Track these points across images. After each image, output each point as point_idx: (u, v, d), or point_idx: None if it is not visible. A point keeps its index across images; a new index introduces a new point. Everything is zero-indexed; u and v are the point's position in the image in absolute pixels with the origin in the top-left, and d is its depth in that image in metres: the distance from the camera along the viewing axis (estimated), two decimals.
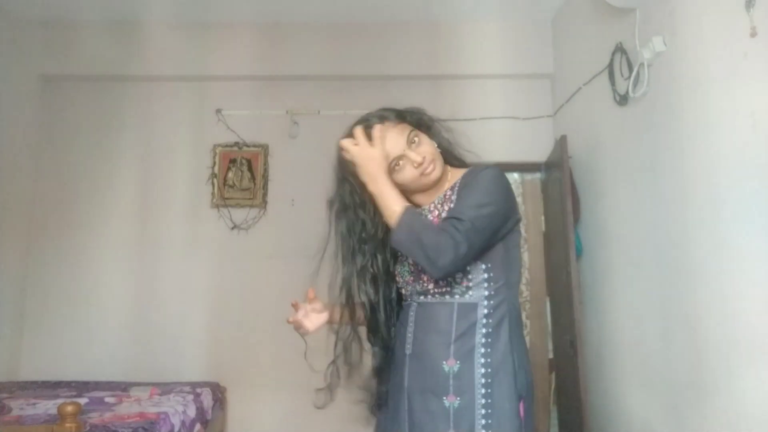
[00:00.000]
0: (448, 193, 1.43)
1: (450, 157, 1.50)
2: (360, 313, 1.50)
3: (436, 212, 1.43)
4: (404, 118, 1.43)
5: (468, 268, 1.36)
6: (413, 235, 1.28)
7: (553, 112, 3.75)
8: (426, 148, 1.40)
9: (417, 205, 1.48)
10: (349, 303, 1.46)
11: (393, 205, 1.31)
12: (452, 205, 1.39)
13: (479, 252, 1.33)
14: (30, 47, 3.69)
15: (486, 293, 1.36)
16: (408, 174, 1.39)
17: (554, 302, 3.50)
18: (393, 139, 1.38)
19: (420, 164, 1.37)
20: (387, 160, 1.36)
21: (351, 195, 1.43)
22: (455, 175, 1.47)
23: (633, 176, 2.60)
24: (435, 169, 1.39)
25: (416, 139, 1.40)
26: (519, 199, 4.32)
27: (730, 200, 1.89)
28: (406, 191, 1.43)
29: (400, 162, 1.38)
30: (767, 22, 1.71)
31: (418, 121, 1.45)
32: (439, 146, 1.45)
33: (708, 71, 2.01)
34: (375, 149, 1.33)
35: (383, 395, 1.48)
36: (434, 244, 1.25)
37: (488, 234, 1.32)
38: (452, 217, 1.29)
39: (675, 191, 2.22)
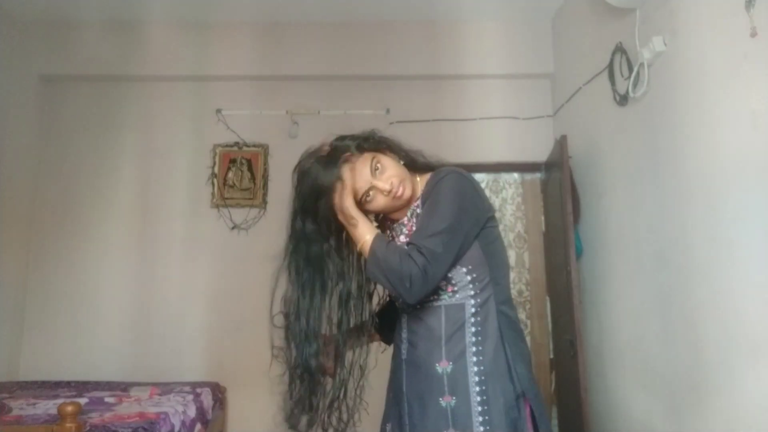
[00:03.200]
0: (417, 204, 1.43)
1: (415, 166, 1.49)
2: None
3: (410, 225, 1.44)
4: (363, 148, 1.42)
5: (450, 275, 1.36)
6: (383, 266, 1.29)
7: (553, 112, 3.75)
8: (391, 171, 1.39)
9: (395, 220, 1.49)
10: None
11: (364, 234, 1.35)
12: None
13: (451, 266, 1.33)
14: (30, 47, 3.69)
15: (472, 293, 1.37)
16: (381, 202, 1.40)
17: (554, 302, 3.50)
18: (359, 172, 1.38)
19: (389, 192, 1.37)
20: (358, 193, 1.37)
21: (319, 228, 1.41)
22: (424, 181, 1.47)
23: (633, 176, 2.60)
24: (405, 189, 1.39)
25: (379, 165, 1.39)
26: (518, 199, 4.32)
27: (730, 200, 1.89)
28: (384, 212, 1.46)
29: (371, 193, 1.38)
30: (767, 22, 1.71)
31: (375, 145, 1.44)
32: (403, 159, 1.46)
33: (708, 71, 2.01)
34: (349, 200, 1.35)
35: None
36: (403, 273, 1.26)
37: (454, 249, 1.32)
38: (415, 243, 1.30)
39: (675, 191, 2.22)
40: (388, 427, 1.48)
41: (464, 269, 1.36)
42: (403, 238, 1.44)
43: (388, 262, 1.29)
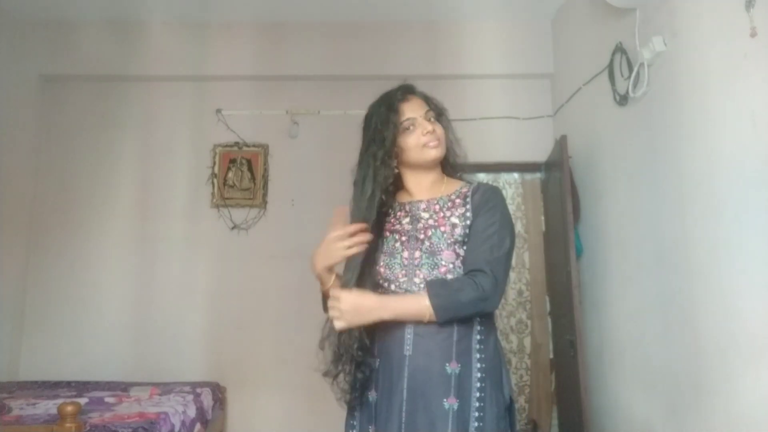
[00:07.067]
0: (456, 200, 1.44)
1: (446, 163, 1.53)
2: None
3: (441, 214, 1.43)
4: (428, 102, 1.51)
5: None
6: (455, 308, 1.31)
7: (553, 112, 3.75)
8: (440, 129, 1.47)
9: (403, 203, 1.50)
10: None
11: (414, 306, 1.32)
12: (467, 221, 1.40)
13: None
14: (30, 47, 3.69)
15: None
16: (414, 139, 1.44)
17: (554, 302, 3.50)
18: (414, 104, 1.46)
19: (429, 132, 1.43)
20: (404, 114, 1.44)
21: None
22: (452, 183, 1.50)
23: (633, 176, 2.60)
24: (437, 147, 1.45)
25: (432, 118, 1.47)
26: (518, 199, 4.33)
27: (730, 200, 1.89)
28: (400, 163, 1.48)
29: (413, 125, 1.44)
30: (767, 22, 1.71)
31: (439, 113, 1.52)
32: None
33: (708, 71, 2.01)
34: (346, 300, 1.30)
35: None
36: (474, 297, 1.30)
37: (511, 257, 1.40)
38: (485, 263, 1.34)
39: (675, 191, 2.22)
40: (371, 429, 1.40)
41: None
42: (426, 216, 1.44)
43: (457, 301, 1.30)
